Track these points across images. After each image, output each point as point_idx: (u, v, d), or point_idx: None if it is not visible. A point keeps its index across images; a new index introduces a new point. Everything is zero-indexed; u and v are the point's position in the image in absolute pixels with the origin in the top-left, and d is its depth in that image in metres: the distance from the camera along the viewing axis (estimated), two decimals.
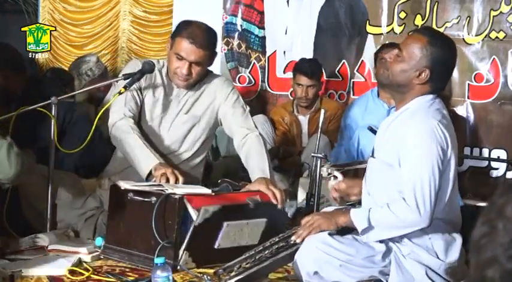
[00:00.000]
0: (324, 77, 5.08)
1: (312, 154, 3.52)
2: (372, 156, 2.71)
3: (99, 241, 3.10)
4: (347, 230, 2.63)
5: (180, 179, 3.08)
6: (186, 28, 3.37)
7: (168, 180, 3.06)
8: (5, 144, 2.76)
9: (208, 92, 3.47)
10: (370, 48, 5.01)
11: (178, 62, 3.33)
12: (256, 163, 3.22)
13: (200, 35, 3.34)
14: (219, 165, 4.39)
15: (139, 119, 3.41)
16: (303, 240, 2.62)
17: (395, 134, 2.59)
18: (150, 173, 3.14)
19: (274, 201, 3.04)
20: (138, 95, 3.38)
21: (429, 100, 2.61)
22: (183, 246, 2.80)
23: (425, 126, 2.51)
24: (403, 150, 2.52)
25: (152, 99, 3.42)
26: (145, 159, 3.19)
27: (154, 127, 3.43)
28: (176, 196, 2.82)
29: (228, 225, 2.90)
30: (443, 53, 2.60)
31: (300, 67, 4.80)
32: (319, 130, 3.59)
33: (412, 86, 2.61)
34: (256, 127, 3.45)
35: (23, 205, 3.35)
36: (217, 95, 3.47)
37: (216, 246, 2.91)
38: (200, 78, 3.43)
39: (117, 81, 3.47)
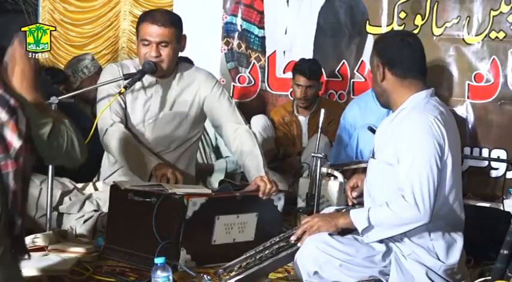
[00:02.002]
0: (324, 77, 5.08)
1: (312, 154, 3.52)
2: (372, 157, 2.72)
3: (99, 241, 3.10)
4: (347, 230, 2.63)
5: (180, 179, 3.08)
6: (145, 15, 3.36)
7: (168, 181, 3.06)
8: (70, 129, 2.35)
9: (192, 88, 3.41)
10: (370, 48, 4.99)
11: (145, 48, 3.27)
12: (251, 163, 3.21)
13: (159, 15, 3.31)
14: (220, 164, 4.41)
15: (125, 121, 3.39)
16: (300, 241, 2.63)
17: (394, 134, 2.60)
18: (151, 176, 3.14)
19: (260, 193, 3.03)
20: (121, 96, 3.34)
21: (424, 98, 2.63)
22: (179, 243, 2.80)
23: (421, 123, 2.53)
24: (401, 148, 2.53)
25: (132, 98, 3.39)
26: (144, 163, 3.18)
27: (138, 126, 3.40)
28: (176, 196, 2.82)
29: (219, 218, 2.91)
30: (381, 41, 2.74)
31: (299, 67, 4.80)
32: (319, 130, 3.59)
33: (385, 87, 2.68)
34: (244, 119, 3.41)
35: None
36: (201, 89, 3.41)
37: (212, 242, 2.91)
38: (173, 63, 3.34)
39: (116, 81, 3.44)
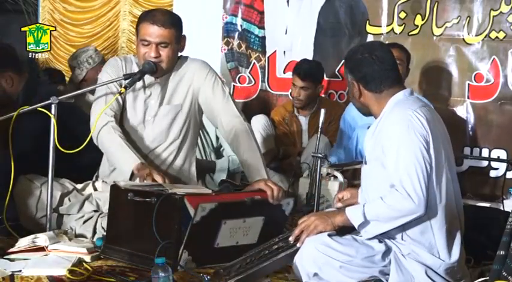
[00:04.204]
0: (325, 78, 5.08)
1: (312, 154, 3.52)
2: (364, 164, 2.73)
3: (99, 241, 3.10)
4: (346, 230, 2.63)
5: (166, 179, 3.08)
6: (146, 15, 3.35)
7: (154, 180, 3.05)
8: None
9: (186, 78, 3.39)
10: None
11: (145, 48, 3.26)
12: (250, 163, 3.20)
13: (159, 15, 3.30)
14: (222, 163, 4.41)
15: (122, 117, 3.38)
16: (297, 241, 2.63)
17: (380, 136, 2.62)
18: (132, 173, 3.13)
19: (269, 199, 3.02)
20: (120, 95, 3.32)
21: (403, 96, 2.67)
22: (182, 245, 2.80)
23: (401, 118, 2.55)
24: (386, 145, 2.56)
25: (132, 95, 3.38)
26: (126, 160, 3.17)
27: (138, 123, 3.39)
28: (176, 196, 2.82)
29: (225, 223, 2.90)
30: (352, 59, 2.74)
31: (296, 68, 4.83)
32: (319, 130, 3.59)
33: (365, 101, 2.71)
34: (238, 110, 3.38)
35: (20, 215, 3.36)
36: (195, 79, 3.39)
37: (215, 245, 2.91)
38: (172, 63, 3.34)
39: (116, 81, 3.43)
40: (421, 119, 2.54)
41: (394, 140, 2.54)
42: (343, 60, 5.07)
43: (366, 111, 2.77)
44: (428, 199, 2.48)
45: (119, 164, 3.24)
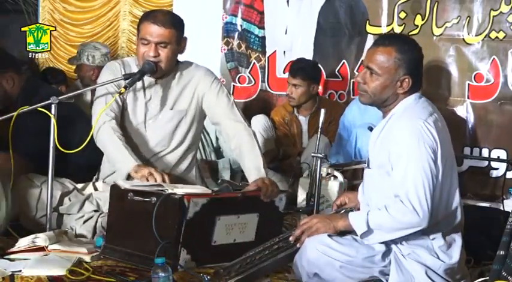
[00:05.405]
0: (324, 77, 5.08)
1: (312, 154, 3.52)
2: (368, 167, 2.72)
3: (99, 241, 3.10)
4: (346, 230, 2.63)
5: (166, 177, 3.08)
6: (147, 15, 3.36)
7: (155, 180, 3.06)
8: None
9: (191, 85, 3.41)
10: None
11: (144, 47, 3.27)
12: (252, 163, 3.20)
13: (160, 15, 3.31)
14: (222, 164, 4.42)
15: (123, 119, 3.39)
16: (298, 241, 2.63)
17: (386, 141, 2.60)
18: (129, 175, 3.13)
19: (262, 195, 3.03)
20: (120, 95, 3.33)
21: (413, 100, 2.64)
22: (180, 243, 2.80)
23: (411, 128, 2.52)
24: (394, 154, 2.53)
25: (133, 97, 3.39)
26: (123, 161, 3.18)
27: (139, 126, 3.40)
28: (176, 196, 2.82)
29: (220, 219, 2.91)
30: (413, 54, 2.64)
31: (291, 66, 4.84)
32: (319, 130, 3.59)
33: (398, 96, 2.64)
34: (243, 116, 3.40)
35: (20, 215, 3.36)
36: (200, 85, 3.41)
37: (213, 243, 2.91)
38: (171, 64, 3.34)
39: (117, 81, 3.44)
40: (431, 130, 2.52)
41: (403, 150, 2.50)
42: (343, 60, 5.10)
43: (378, 105, 2.69)
44: (432, 211, 2.47)
45: (116, 165, 3.25)
